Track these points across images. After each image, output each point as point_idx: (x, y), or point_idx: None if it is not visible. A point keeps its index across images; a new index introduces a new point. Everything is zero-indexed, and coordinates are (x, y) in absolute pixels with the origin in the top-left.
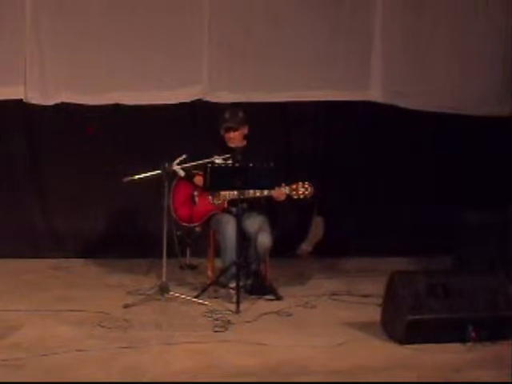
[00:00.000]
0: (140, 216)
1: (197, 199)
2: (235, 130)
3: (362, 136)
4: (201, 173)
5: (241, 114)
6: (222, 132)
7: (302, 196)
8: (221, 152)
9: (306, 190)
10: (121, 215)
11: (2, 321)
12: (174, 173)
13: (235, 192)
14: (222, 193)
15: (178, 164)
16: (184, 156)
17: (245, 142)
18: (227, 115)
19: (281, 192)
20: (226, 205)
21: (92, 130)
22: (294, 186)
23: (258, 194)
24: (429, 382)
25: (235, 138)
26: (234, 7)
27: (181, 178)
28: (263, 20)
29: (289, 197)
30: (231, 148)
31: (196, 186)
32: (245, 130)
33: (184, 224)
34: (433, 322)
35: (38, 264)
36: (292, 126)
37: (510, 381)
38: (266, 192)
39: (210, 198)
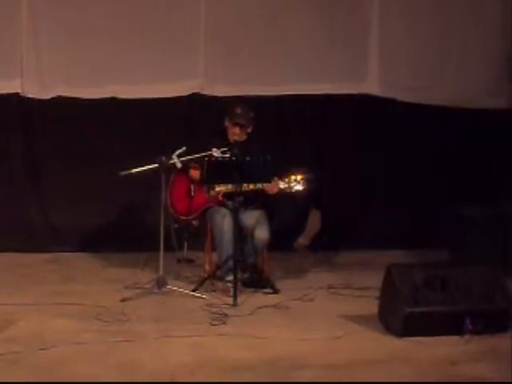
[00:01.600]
0: (137, 210)
1: (193, 193)
2: (242, 126)
3: (360, 130)
4: (197, 166)
5: (252, 114)
6: (227, 123)
7: (294, 190)
8: (220, 145)
9: (299, 183)
10: (118, 209)
11: None
12: (172, 164)
13: (229, 185)
14: (217, 186)
15: (178, 156)
16: (184, 148)
17: (244, 137)
18: (239, 110)
19: (273, 185)
20: (221, 198)
21: (90, 129)
22: (286, 180)
23: (251, 187)
24: (426, 379)
25: (239, 134)
26: (230, 1)
27: (178, 171)
28: (260, 13)
29: (282, 190)
30: (230, 142)
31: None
32: (249, 129)
33: (181, 217)
34: (430, 314)
35: (35, 258)
36: (289, 120)
37: (506, 373)
38: (258, 185)
39: (205, 189)
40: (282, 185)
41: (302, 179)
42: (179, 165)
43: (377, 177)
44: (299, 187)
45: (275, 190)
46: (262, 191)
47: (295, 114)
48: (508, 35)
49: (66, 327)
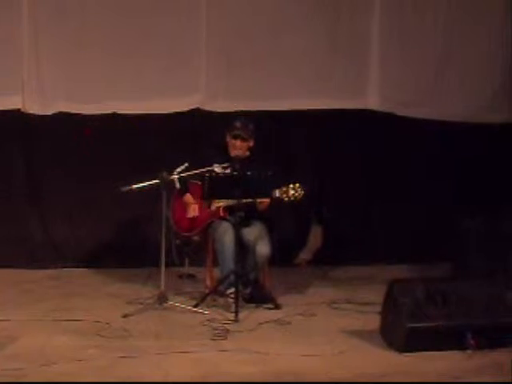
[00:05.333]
0: (139, 225)
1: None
2: (243, 140)
3: (360, 144)
4: (197, 183)
5: (251, 127)
6: (228, 138)
7: (292, 198)
8: (221, 160)
9: (296, 191)
10: (119, 225)
11: (0, 331)
12: (173, 182)
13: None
14: (217, 200)
15: (180, 172)
16: (186, 164)
17: (247, 154)
18: (239, 124)
19: (264, 200)
20: (223, 213)
21: (89, 131)
22: (284, 189)
23: (247, 200)
24: None
25: (241, 148)
26: (231, 16)
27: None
28: (261, 28)
29: (280, 200)
30: (232, 157)
31: (194, 195)
32: (251, 143)
33: (183, 234)
34: (432, 329)
35: (37, 274)
36: (290, 135)
37: None
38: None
39: (206, 204)
40: (279, 194)
41: (299, 187)
42: (177, 185)
43: (378, 192)
44: (297, 195)
45: (265, 205)
46: (255, 204)
47: (296, 128)
48: (509, 49)
49: (68, 343)
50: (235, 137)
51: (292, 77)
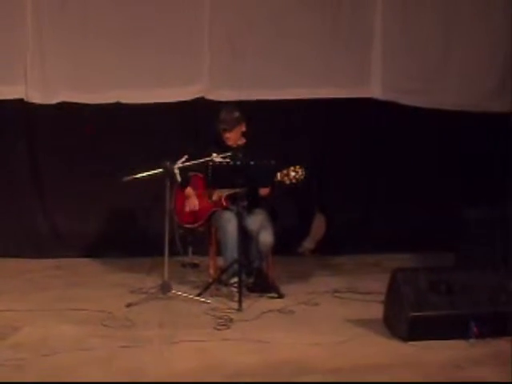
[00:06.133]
0: (142, 215)
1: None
2: (230, 130)
3: (363, 133)
4: (199, 175)
5: (236, 114)
6: (219, 131)
7: (294, 180)
8: (218, 150)
9: (297, 173)
10: (122, 214)
11: (3, 320)
12: (175, 174)
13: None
14: (218, 190)
15: (180, 165)
16: (185, 157)
17: (244, 140)
18: (222, 116)
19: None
20: (225, 202)
21: (90, 129)
22: (285, 172)
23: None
24: (432, 382)
25: (231, 138)
26: (235, 5)
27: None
28: (264, 17)
29: (281, 183)
30: (230, 146)
31: (195, 188)
32: (241, 128)
33: (186, 225)
34: (435, 318)
35: (40, 263)
36: (292, 124)
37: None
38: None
39: (207, 195)
40: (280, 177)
41: (300, 169)
42: (178, 179)
43: (381, 180)
44: (298, 177)
45: (266, 192)
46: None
47: (298, 118)
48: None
49: (71, 333)
50: (223, 130)
51: (295, 66)
